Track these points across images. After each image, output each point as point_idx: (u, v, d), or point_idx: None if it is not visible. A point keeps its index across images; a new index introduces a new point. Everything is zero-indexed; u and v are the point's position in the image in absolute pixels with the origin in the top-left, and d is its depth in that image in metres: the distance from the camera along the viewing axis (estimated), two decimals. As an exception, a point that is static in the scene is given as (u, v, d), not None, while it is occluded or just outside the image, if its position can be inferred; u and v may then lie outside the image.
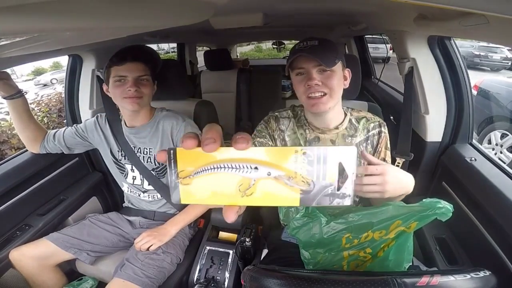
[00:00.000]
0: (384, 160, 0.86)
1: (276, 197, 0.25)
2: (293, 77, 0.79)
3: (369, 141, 0.85)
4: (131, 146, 1.06)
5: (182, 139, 0.25)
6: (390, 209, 0.58)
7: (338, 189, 0.24)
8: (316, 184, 0.24)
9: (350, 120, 0.85)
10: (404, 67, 1.06)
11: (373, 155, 0.86)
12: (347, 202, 0.25)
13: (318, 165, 0.24)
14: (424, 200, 0.55)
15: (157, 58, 1.06)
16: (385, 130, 0.86)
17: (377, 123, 0.86)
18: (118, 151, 1.09)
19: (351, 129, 0.84)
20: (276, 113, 0.91)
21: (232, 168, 0.25)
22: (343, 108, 0.86)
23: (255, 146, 0.78)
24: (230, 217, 0.27)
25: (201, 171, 0.25)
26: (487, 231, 0.81)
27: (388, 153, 0.87)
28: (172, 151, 0.25)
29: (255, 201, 0.25)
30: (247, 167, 0.25)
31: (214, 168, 0.25)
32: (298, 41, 0.77)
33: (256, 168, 0.25)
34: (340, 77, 0.76)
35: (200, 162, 0.25)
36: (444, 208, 0.52)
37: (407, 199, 0.90)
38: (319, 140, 0.84)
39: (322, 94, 0.74)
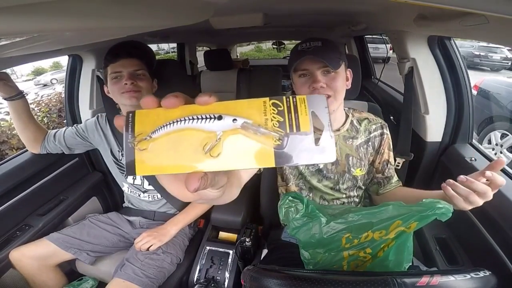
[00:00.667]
0: (388, 161, 0.86)
1: (247, 155, 0.21)
2: (296, 78, 0.77)
3: (370, 143, 0.85)
4: (131, 146, 1.06)
5: (142, 99, 0.23)
6: (389, 209, 0.58)
7: (316, 142, 0.21)
8: (291, 137, 0.21)
9: (351, 122, 0.84)
10: (404, 67, 1.06)
11: (375, 157, 0.86)
12: (329, 157, 0.21)
13: (289, 115, 0.22)
14: (424, 200, 0.55)
15: (151, 54, 1.06)
16: (387, 131, 0.86)
17: (379, 124, 0.85)
18: (119, 151, 1.09)
19: (352, 131, 0.84)
20: None
21: (192, 119, 0.21)
22: (344, 109, 0.85)
23: None
24: (193, 184, 0.21)
25: (159, 129, 0.22)
26: (487, 231, 0.81)
27: (391, 154, 0.87)
28: (130, 114, 0.23)
29: (223, 163, 0.21)
30: (210, 117, 0.21)
31: (172, 123, 0.21)
32: (300, 41, 0.76)
33: (220, 117, 0.21)
34: (343, 79, 0.76)
35: (161, 119, 0.22)
36: (444, 208, 0.52)
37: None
38: None
39: (327, 96, 0.73)
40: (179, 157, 0.22)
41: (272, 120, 0.22)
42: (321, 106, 0.22)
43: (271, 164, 0.21)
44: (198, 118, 0.22)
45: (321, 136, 0.21)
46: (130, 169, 0.22)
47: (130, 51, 0.94)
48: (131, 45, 0.97)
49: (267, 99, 0.22)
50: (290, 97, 0.22)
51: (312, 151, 0.21)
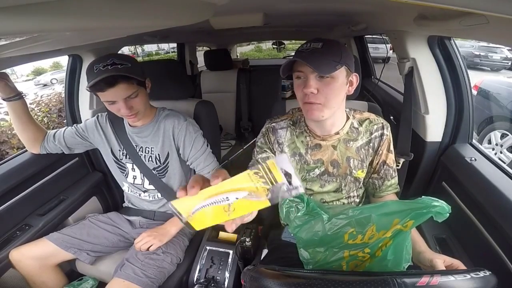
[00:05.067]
0: (384, 162, 0.84)
1: (251, 205, 0.35)
2: (294, 79, 0.76)
3: (371, 144, 0.83)
4: (133, 145, 1.06)
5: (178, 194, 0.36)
6: (389, 203, 0.58)
7: (290, 183, 0.32)
8: (274, 188, 0.33)
9: (352, 124, 0.82)
10: (404, 67, 1.06)
11: (374, 157, 0.85)
12: (301, 189, 0.33)
13: (266, 175, 0.32)
14: (422, 197, 0.55)
15: (134, 65, 0.91)
16: (387, 132, 0.83)
17: (380, 125, 0.83)
18: (119, 150, 1.09)
19: (353, 133, 0.82)
20: (274, 124, 0.87)
21: (214, 203, 0.35)
22: (345, 110, 0.83)
23: (258, 162, 0.86)
24: (230, 227, 0.38)
25: (196, 210, 0.36)
26: (487, 231, 0.81)
27: (391, 156, 0.85)
28: (172, 206, 0.37)
29: (239, 213, 0.36)
30: (222, 199, 0.35)
31: (202, 206, 0.36)
32: (305, 41, 0.73)
33: (227, 198, 0.35)
34: (341, 84, 0.71)
35: (193, 204, 0.36)
36: (440, 207, 0.52)
37: (407, 198, 0.90)
38: (320, 147, 0.82)
39: (317, 103, 0.71)
40: (215, 217, 0.36)
41: (258, 182, 0.33)
42: (284, 161, 0.32)
43: (268, 204, 0.34)
44: (215, 202, 0.35)
45: (291, 179, 0.32)
46: (190, 227, 0.38)
47: (114, 82, 0.85)
48: (113, 77, 0.84)
49: (249, 172, 0.32)
50: (264, 164, 0.32)
51: (289, 190, 0.33)
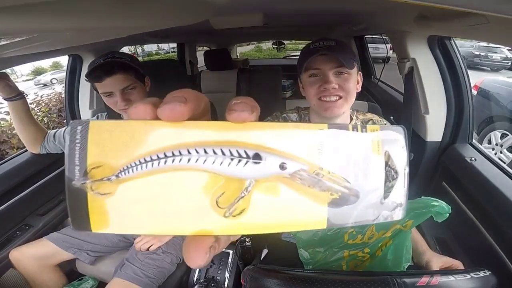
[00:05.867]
0: (386, 163, 0.84)
1: (286, 215, 0.14)
2: (305, 78, 0.75)
3: None
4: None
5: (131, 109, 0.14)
6: None
7: (386, 196, 0.15)
8: (356, 188, 0.15)
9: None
10: (404, 67, 1.06)
11: None
12: (398, 214, 0.15)
13: (355, 155, 0.14)
14: (422, 197, 0.55)
15: (133, 60, 0.96)
16: None
17: (384, 126, 0.83)
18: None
19: None
20: (284, 115, 0.87)
21: (206, 156, 0.12)
22: (349, 111, 0.83)
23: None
24: (196, 260, 0.14)
25: (136, 165, 0.12)
26: (487, 231, 0.81)
27: None
28: (79, 128, 0.13)
29: (247, 225, 0.13)
30: (241, 156, 0.13)
31: (164, 157, 0.12)
32: (312, 41, 0.73)
33: (257, 156, 0.13)
34: (355, 80, 0.73)
35: (136, 149, 0.12)
36: (439, 207, 0.52)
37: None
38: None
39: (338, 98, 0.71)
40: (172, 210, 0.13)
41: (329, 161, 0.14)
42: (398, 144, 0.16)
43: (321, 225, 0.15)
44: (216, 155, 0.12)
45: (394, 187, 0.15)
46: (79, 223, 0.13)
47: (111, 70, 0.86)
48: (110, 64, 0.87)
49: (324, 126, 0.14)
50: (359, 126, 0.15)
51: (379, 207, 0.15)
